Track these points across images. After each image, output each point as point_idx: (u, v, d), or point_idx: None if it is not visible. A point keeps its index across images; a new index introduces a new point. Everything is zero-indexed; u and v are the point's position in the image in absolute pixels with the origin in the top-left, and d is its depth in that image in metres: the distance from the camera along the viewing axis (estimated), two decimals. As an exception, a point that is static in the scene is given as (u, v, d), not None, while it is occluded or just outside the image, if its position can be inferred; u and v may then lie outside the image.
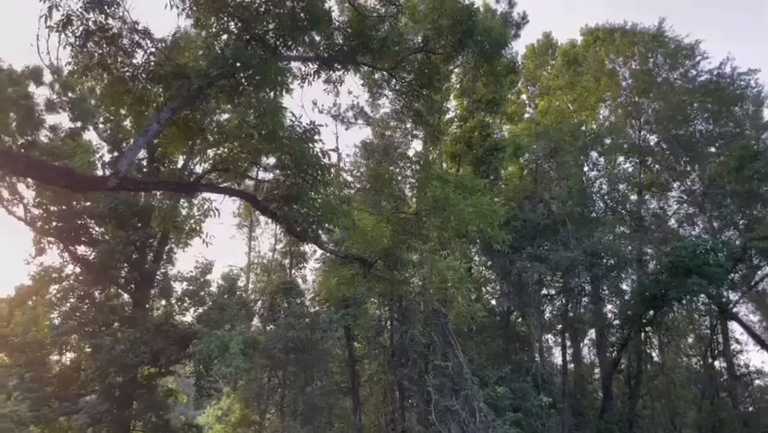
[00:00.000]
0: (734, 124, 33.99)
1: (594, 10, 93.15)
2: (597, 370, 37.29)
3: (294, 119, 11.33)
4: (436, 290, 25.18)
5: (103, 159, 27.10)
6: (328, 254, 25.27)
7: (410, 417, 29.47)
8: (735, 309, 32.78)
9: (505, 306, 33.12)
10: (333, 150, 12.91)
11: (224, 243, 69.66)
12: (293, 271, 36.19)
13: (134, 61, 11.20)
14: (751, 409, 34.26)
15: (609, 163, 37.06)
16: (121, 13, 10.72)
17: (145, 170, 26.52)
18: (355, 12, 13.94)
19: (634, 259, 32.83)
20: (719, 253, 26.72)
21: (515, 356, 31.61)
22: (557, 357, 36.81)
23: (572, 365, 36.40)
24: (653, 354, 35.05)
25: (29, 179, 23.12)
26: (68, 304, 26.44)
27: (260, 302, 34.54)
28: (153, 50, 11.20)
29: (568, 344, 35.95)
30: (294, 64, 13.48)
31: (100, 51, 10.90)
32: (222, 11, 11.60)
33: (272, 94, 11.43)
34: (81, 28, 10.49)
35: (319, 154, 11.38)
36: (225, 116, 12.67)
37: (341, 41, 13.86)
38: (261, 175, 12.60)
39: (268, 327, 32.59)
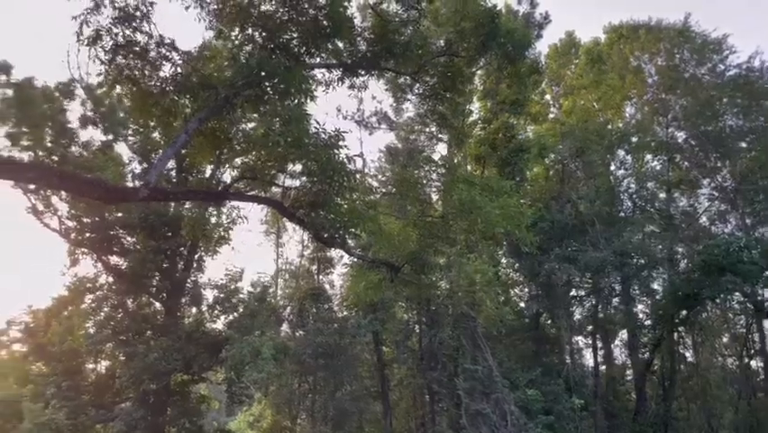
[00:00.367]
0: (765, 119, 33.32)
1: (617, 6, 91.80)
2: (629, 371, 36.71)
3: (318, 126, 11.44)
4: (464, 293, 25.17)
5: (133, 170, 27.59)
6: (355, 259, 25.29)
7: (441, 420, 29.41)
8: (771, 307, 32.03)
9: (534, 308, 32.90)
10: (357, 155, 12.93)
11: (252, 250, 70.20)
12: (321, 276, 36.35)
13: (162, 74, 11.40)
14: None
15: (637, 161, 36.64)
16: (148, 28, 10.93)
17: (174, 180, 26.89)
18: (377, 17, 13.91)
19: (664, 258, 32.42)
20: (753, 250, 26.31)
21: (545, 359, 31.35)
22: (588, 359, 36.53)
23: (604, 367, 35.99)
24: (687, 355, 34.61)
25: (63, 192, 23.63)
26: (103, 313, 26.95)
27: (288, 308, 34.76)
28: (180, 62, 11.38)
29: (599, 345, 35.58)
30: (317, 71, 13.57)
31: (128, 65, 11.15)
32: (246, 21, 11.77)
33: (297, 101, 11.54)
34: (110, 43, 10.73)
35: (344, 160, 11.48)
36: (251, 125, 12.79)
37: (364, 47, 13.88)
38: (288, 182, 12.67)
39: (297, 333, 32.85)
